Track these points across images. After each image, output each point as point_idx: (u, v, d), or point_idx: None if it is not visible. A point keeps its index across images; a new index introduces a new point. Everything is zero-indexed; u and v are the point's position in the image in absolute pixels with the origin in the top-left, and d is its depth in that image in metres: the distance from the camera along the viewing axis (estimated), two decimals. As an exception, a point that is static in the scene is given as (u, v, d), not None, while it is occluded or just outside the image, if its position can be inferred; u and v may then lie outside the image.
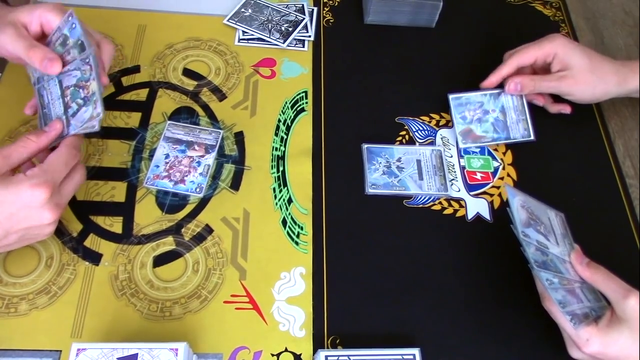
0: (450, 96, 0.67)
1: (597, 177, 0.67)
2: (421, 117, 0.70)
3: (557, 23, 0.81)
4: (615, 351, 0.48)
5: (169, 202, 0.60)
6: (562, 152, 0.69)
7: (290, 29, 0.74)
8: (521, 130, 0.66)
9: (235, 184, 0.62)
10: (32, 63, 0.52)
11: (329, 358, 0.50)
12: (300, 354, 0.53)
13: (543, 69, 0.67)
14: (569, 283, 0.51)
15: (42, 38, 0.56)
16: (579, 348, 0.49)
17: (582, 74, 0.64)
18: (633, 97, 0.68)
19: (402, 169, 0.64)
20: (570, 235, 0.56)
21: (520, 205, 0.53)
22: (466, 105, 0.66)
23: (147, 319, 0.54)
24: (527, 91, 0.65)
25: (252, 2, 0.76)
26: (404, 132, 0.68)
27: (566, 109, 0.69)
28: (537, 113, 0.67)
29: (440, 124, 0.69)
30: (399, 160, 0.65)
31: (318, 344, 0.54)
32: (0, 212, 0.46)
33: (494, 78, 0.66)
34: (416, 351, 0.51)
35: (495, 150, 0.68)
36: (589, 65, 0.64)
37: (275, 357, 0.53)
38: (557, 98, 0.69)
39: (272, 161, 0.64)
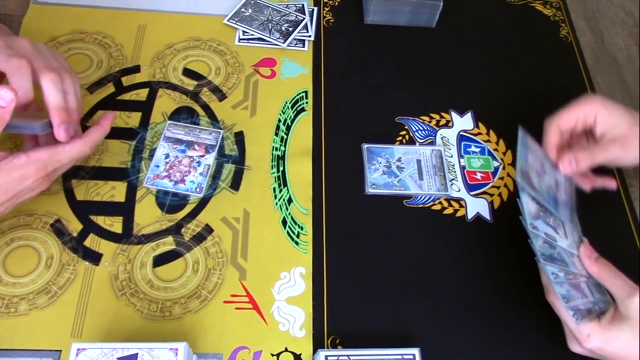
0: (521, 131, 0.56)
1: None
2: (421, 117, 0.70)
3: (557, 23, 0.81)
4: (615, 348, 0.48)
5: (169, 202, 0.60)
6: (562, 152, 0.69)
7: (291, 29, 0.74)
8: (568, 216, 0.57)
9: (235, 184, 0.62)
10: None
11: (329, 358, 0.50)
12: (300, 354, 0.53)
13: (583, 137, 0.61)
14: (574, 277, 0.51)
15: None
16: (580, 343, 0.49)
17: (631, 130, 0.57)
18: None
19: (402, 169, 0.64)
20: (579, 229, 0.55)
21: (530, 197, 0.53)
22: (529, 151, 0.57)
23: (147, 319, 0.54)
24: (583, 165, 0.58)
25: (252, 2, 0.76)
26: (404, 132, 0.68)
27: (612, 184, 0.63)
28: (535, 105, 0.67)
29: (440, 124, 0.69)
30: (399, 160, 0.65)
31: (318, 344, 0.54)
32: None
33: (550, 150, 0.59)
34: (416, 351, 0.51)
35: (496, 150, 0.68)
36: (632, 119, 0.58)
37: (275, 357, 0.53)
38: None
39: (272, 161, 0.64)
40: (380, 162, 0.65)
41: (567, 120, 0.59)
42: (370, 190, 0.63)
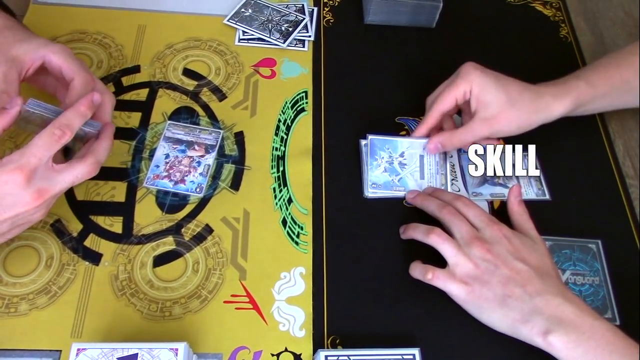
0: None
1: (597, 177, 0.67)
2: (421, 117, 0.70)
3: (557, 23, 0.81)
4: None
5: (169, 202, 0.60)
6: (562, 152, 0.69)
7: (291, 29, 0.74)
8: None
9: (235, 184, 0.62)
10: None
11: (329, 358, 0.50)
12: (300, 354, 0.53)
13: (468, 104, 0.63)
14: None
15: (42, 73, 0.56)
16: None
17: (502, 111, 0.60)
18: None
19: (404, 166, 0.64)
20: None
21: None
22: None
23: (147, 318, 0.54)
24: (450, 149, 0.64)
25: (252, 2, 0.76)
26: (404, 133, 0.68)
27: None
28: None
29: (441, 124, 0.69)
30: (402, 155, 0.65)
31: (318, 344, 0.54)
32: None
33: (422, 129, 0.64)
34: (416, 351, 0.51)
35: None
36: (506, 99, 0.59)
37: (275, 357, 0.53)
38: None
39: (272, 161, 0.64)
40: (383, 157, 0.64)
41: (447, 103, 0.62)
42: (369, 195, 0.62)
